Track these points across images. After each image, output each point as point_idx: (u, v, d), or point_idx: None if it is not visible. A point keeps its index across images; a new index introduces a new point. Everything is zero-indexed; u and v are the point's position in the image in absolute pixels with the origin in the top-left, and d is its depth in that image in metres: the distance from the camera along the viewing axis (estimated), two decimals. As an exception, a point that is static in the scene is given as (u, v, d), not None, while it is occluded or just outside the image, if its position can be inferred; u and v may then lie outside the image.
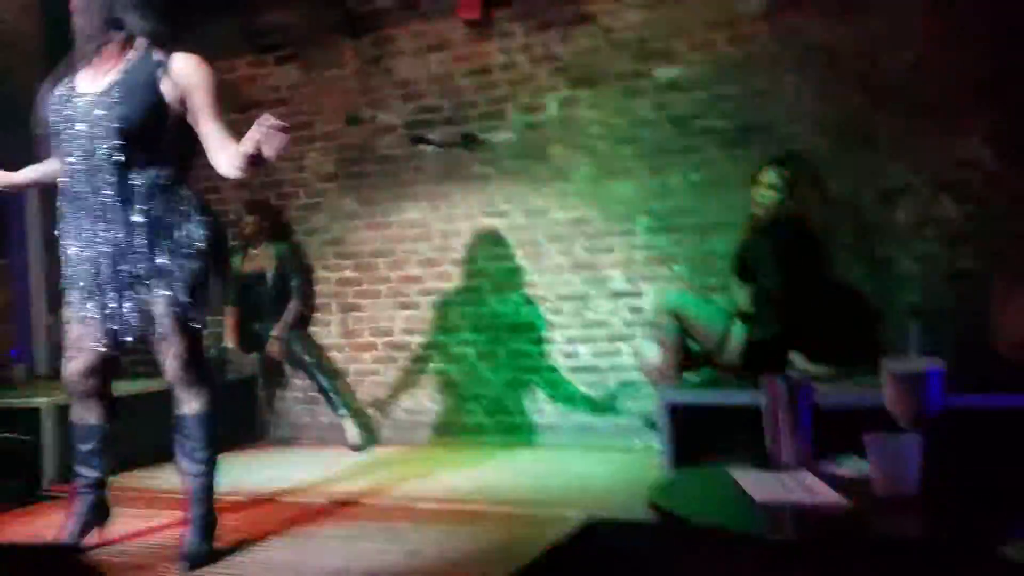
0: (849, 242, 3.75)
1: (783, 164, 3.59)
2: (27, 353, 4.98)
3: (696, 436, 2.91)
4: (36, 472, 3.70)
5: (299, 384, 4.90)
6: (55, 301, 4.92)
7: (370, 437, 4.58)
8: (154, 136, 2.46)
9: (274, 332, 4.62)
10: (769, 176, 3.57)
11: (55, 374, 4.82)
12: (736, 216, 3.87)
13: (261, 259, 4.72)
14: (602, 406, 4.23)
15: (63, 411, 3.63)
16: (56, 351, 4.88)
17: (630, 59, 4.18)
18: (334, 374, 4.75)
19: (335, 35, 4.73)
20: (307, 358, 4.60)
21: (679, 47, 4.09)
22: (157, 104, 2.44)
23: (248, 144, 2.29)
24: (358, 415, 4.62)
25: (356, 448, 4.40)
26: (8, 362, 4.85)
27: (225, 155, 2.43)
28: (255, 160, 2.31)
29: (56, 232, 2.56)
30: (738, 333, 3.37)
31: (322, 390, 4.56)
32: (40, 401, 3.79)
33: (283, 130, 2.25)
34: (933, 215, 3.66)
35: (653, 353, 3.49)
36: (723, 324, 3.38)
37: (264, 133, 2.25)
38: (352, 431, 4.48)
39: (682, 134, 4.08)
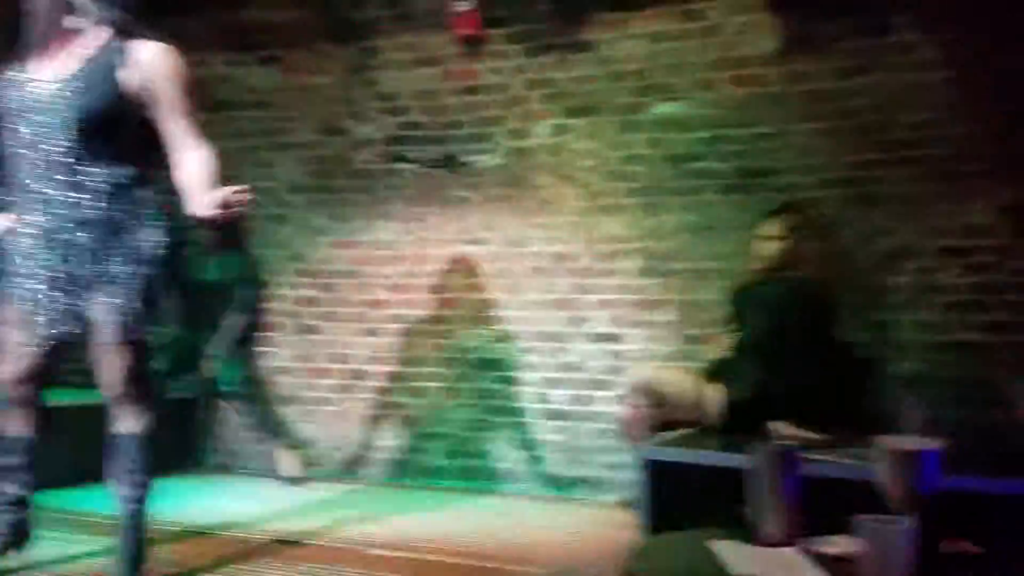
0: (848, 302, 3.80)
1: (786, 213, 3.64)
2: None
3: (675, 496, 2.90)
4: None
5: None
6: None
7: (310, 471, 4.52)
8: (113, 131, 2.44)
9: (215, 350, 4.49)
10: (770, 227, 3.62)
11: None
12: (731, 264, 3.93)
13: (214, 269, 4.60)
14: (573, 456, 4.22)
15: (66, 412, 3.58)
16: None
17: (628, 92, 4.23)
18: (271, 400, 4.70)
19: (320, 40, 4.74)
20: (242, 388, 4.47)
21: (681, 83, 4.15)
22: (117, 97, 2.42)
23: (205, 208, 2.35)
24: (297, 446, 4.57)
25: (291, 482, 4.34)
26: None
27: (185, 163, 2.43)
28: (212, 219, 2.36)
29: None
30: (712, 395, 3.39)
31: (257, 416, 4.48)
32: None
33: (242, 200, 2.34)
34: (937, 281, 3.73)
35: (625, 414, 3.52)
36: (699, 392, 3.41)
37: (224, 203, 2.32)
38: (287, 462, 4.41)
39: (679, 174, 4.13)
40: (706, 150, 4.09)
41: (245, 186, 2.38)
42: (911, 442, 1.62)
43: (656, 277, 4.16)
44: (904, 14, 3.79)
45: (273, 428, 4.50)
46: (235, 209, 2.35)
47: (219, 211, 2.34)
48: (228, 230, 4.71)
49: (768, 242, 3.55)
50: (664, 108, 4.17)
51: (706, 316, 4.00)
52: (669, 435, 3.35)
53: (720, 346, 3.67)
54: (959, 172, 3.70)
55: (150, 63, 2.45)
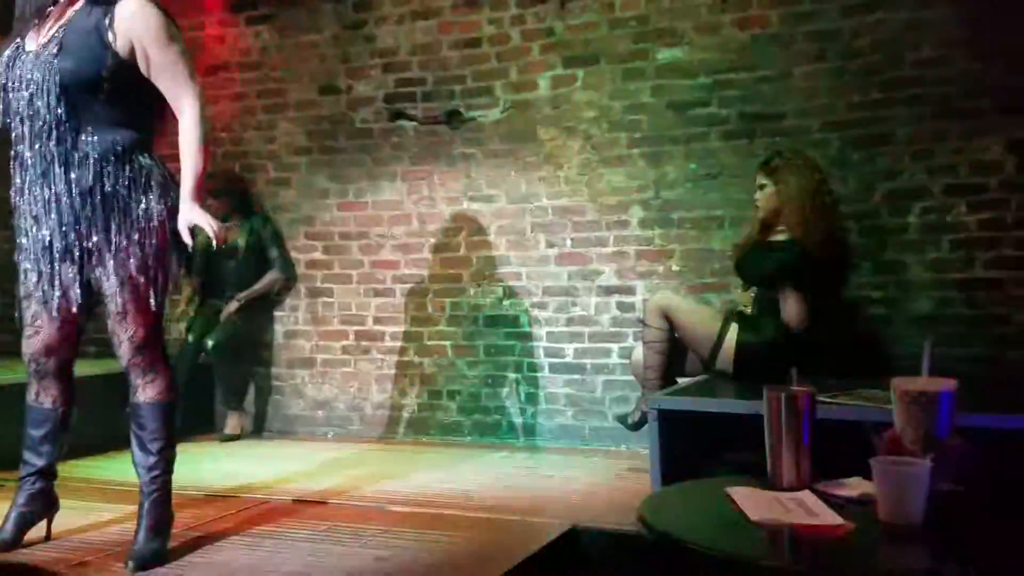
0: (857, 245, 3.79)
1: (771, 162, 3.51)
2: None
3: (688, 445, 2.93)
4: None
5: (261, 372, 4.89)
6: (3, 273, 4.87)
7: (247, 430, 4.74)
8: (104, 95, 2.42)
9: (240, 295, 4.62)
10: (760, 176, 3.55)
11: (-1, 349, 4.80)
12: (737, 211, 3.92)
13: (231, 232, 4.64)
14: (586, 408, 4.27)
15: (5, 391, 3.63)
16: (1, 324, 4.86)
17: (630, 38, 4.19)
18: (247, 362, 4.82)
19: (313, -4, 4.70)
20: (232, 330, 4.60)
21: (683, 28, 4.10)
22: (103, 56, 2.39)
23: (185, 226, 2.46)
24: (243, 410, 4.75)
25: (226, 440, 4.52)
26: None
27: (180, 130, 2.48)
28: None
29: (11, 198, 2.53)
30: (732, 337, 3.39)
31: (227, 373, 4.63)
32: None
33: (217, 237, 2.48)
34: (947, 220, 3.71)
35: (641, 355, 3.52)
36: (717, 327, 3.40)
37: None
38: (232, 423, 4.60)
39: (682, 121, 4.10)
40: (709, 96, 4.06)
41: (222, 226, 2.52)
42: (925, 383, 1.63)
43: (662, 227, 4.15)
44: (909, -52, 3.72)
45: (238, 390, 4.67)
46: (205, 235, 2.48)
47: (188, 237, 2.47)
48: (236, 199, 4.71)
49: (758, 192, 3.50)
50: (666, 54, 4.13)
51: (715, 264, 4.01)
52: (681, 383, 3.38)
53: (733, 294, 3.67)
54: (965, 109, 3.67)
55: (133, 20, 2.41)
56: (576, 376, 4.29)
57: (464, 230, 4.54)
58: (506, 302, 4.45)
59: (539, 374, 4.37)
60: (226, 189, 4.65)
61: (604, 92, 4.24)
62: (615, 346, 4.21)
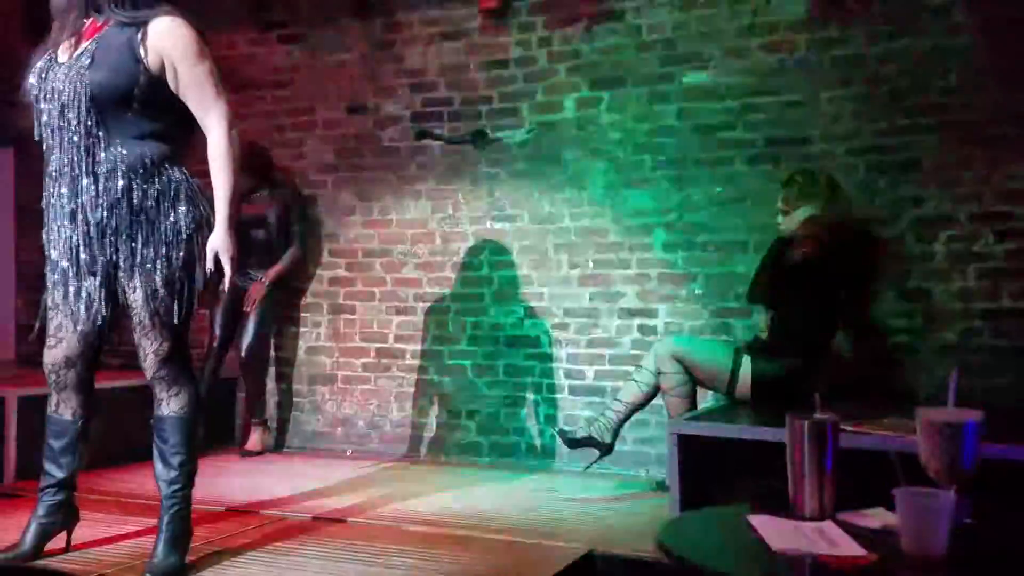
0: (883, 272, 3.76)
1: (792, 183, 3.57)
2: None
3: (708, 471, 2.90)
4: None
5: (282, 387, 4.91)
6: (26, 282, 4.94)
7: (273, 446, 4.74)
8: (134, 108, 2.44)
9: (266, 276, 4.53)
10: (780, 198, 3.59)
11: (21, 360, 4.85)
12: (762, 235, 3.89)
13: (259, 202, 4.59)
14: (606, 431, 4.23)
15: (29, 402, 3.66)
16: (24, 332, 4.92)
17: (657, 61, 4.19)
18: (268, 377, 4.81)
19: (344, 16, 4.74)
20: (262, 327, 4.57)
21: (710, 51, 4.10)
22: (134, 70, 2.42)
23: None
24: (268, 425, 4.72)
25: (247, 455, 4.49)
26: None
27: (209, 150, 2.50)
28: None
29: (42, 209, 2.57)
30: (747, 368, 3.36)
31: (256, 385, 4.61)
32: (6, 392, 3.78)
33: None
34: (974, 248, 3.67)
35: (629, 393, 3.51)
36: (730, 362, 3.38)
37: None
38: (255, 438, 4.58)
39: (708, 145, 4.09)
40: (735, 120, 4.04)
41: (242, 278, 2.52)
42: (951, 414, 1.60)
43: (686, 250, 4.14)
44: (937, -25, 3.71)
45: (263, 402, 4.66)
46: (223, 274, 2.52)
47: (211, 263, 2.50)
48: (265, 166, 4.66)
49: (779, 213, 3.54)
50: (693, 77, 4.13)
51: (739, 289, 3.98)
52: (701, 409, 3.36)
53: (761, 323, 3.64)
54: (992, 137, 3.63)
55: (163, 37, 2.44)
56: (596, 399, 4.26)
57: (487, 249, 4.54)
58: (527, 322, 4.44)
59: (559, 396, 4.35)
60: (249, 163, 4.59)
61: (629, 114, 4.25)
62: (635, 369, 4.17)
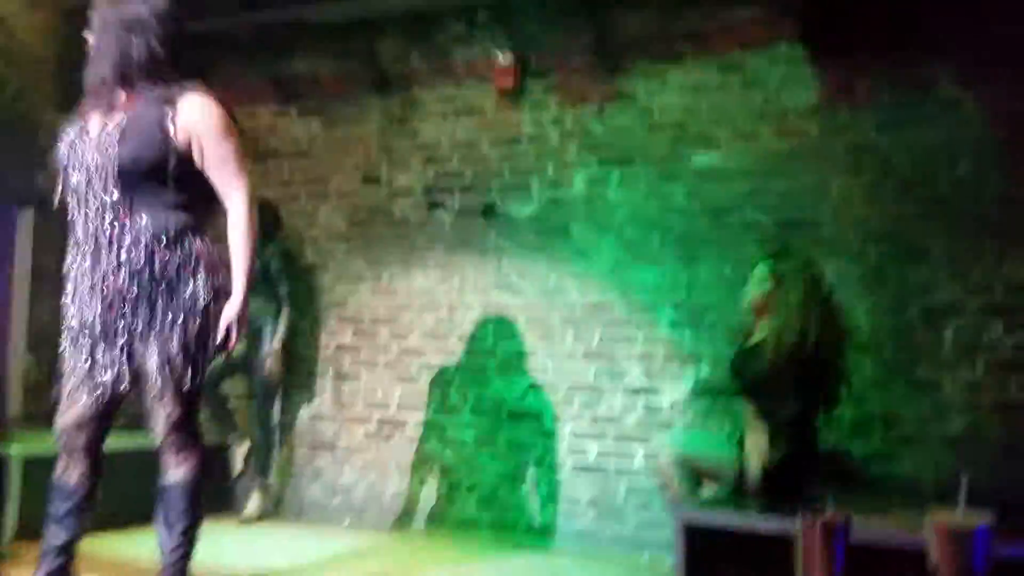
0: (890, 361, 3.69)
1: (776, 259, 3.28)
2: (-2, 392, 4.94)
3: (715, 561, 2.80)
4: (-4, 526, 3.62)
5: (282, 452, 4.82)
6: (37, 342, 4.91)
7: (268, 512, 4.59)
8: (159, 180, 2.47)
9: (274, 344, 4.46)
10: (758, 272, 3.28)
11: (27, 419, 4.79)
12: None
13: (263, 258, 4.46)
14: (607, 512, 4.12)
15: (33, 463, 3.60)
16: (31, 394, 4.87)
17: (667, 142, 4.21)
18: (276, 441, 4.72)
19: (362, 91, 4.80)
20: (271, 387, 4.54)
21: (720, 135, 4.11)
22: (163, 145, 2.45)
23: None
24: (268, 489, 4.60)
25: (246, 521, 4.38)
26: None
27: (228, 223, 2.53)
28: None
29: (59, 273, 2.57)
30: (749, 462, 3.23)
31: (263, 441, 4.53)
32: (10, 451, 3.72)
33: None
34: (982, 340, 3.60)
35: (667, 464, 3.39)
36: (734, 460, 3.27)
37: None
38: (255, 502, 4.46)
39: (717, 225, 4.07)
40: (745, 202, 4.03)
41: (236, 335, 2.53)
42: (963, 518, 1.53)
43: (693, 329, 4.08)
44: (946, 69, 3.72)
45: (266, 464, 4.57)
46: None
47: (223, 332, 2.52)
48: (269, 215, 4.64)
49: (755, 288, 3.26)
50: (703, 159, 4.13)
51: (744, 371, 3.91)
52: (707, 496, 3.26)
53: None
54: (1002, 229, 3.60)
55: (193, 113, 2.49)
56: (598, 478, 4.16)
57: (492, 321, 4.50)
58: (530, 396, 4.37)
59: (560, 473, 4.25)
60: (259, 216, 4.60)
61: (639, 192, 4.24)
62: (640, 449, 4.09)
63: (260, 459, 4.59)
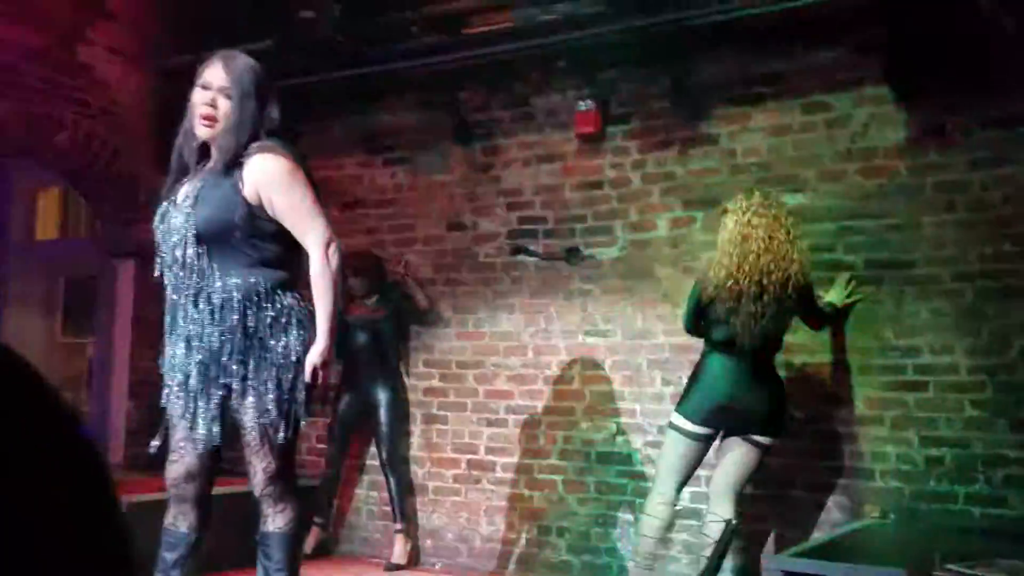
0: (991, 400, 3.57)
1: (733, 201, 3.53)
2: (101, 438, 5.09)
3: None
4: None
5: (374, 496, 4.85)
6: (138, 388, 5.06)
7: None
8: (239, 238, 2.51)
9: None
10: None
11: (128, 464, 4.92)
12: (863, 359, 3.76)
13: (371, 306, 4.67)
14: (699, 557, 4.03)
15: (136, 508, 3.68)
16: (132, 439, 5.00)
17: (752, 183, 4.15)
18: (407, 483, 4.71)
19: (446, 141, 4.86)
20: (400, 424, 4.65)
21: (805, 175, 4.05)
22: (235, 205, 2.50)
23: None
24: (411, 536, 4.58)
25: (393, 569, 4.38)
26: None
27: (314, 250, 2.54)
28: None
29: (158, 320, 2.64)
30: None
31: (400, 485, 4.55)
32: (114, 496, 3.80)
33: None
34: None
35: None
36: None
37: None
38: (401, 549, 4.44)
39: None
40: (834, 241, 3.96)
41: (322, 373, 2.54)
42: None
43: (783, 371, 4.00)
44: (1041, 103, 3.62)
45: (403, 509, 4.53)
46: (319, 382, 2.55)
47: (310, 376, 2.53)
48: (374, 275, 4.75)
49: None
50: (789, 199, 4.06)
51: (844, 412, 3.82)
52: (806, 544, 3.17)
53: None
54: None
55: (258, 171, 2.52)
56: (691, 521, 4.09)
57: (578, 364, 4.48)
58: (619, 439, 4.33)
59: (653, 516, 4.18)
60: (363, 267, 4.69)
61: (724, 235, 4.19)
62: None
63: (399, 504, 4.58)
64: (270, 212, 2.53)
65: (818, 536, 3.41)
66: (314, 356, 2.52)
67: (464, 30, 4.48)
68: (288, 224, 2.54)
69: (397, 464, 4.59)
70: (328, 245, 2.55)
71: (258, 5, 4.73)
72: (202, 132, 2.57)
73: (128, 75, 5.15)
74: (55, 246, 6.34)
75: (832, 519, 3.82)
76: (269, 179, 2.52)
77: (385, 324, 4.66)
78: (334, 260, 2.55)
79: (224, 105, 2.55)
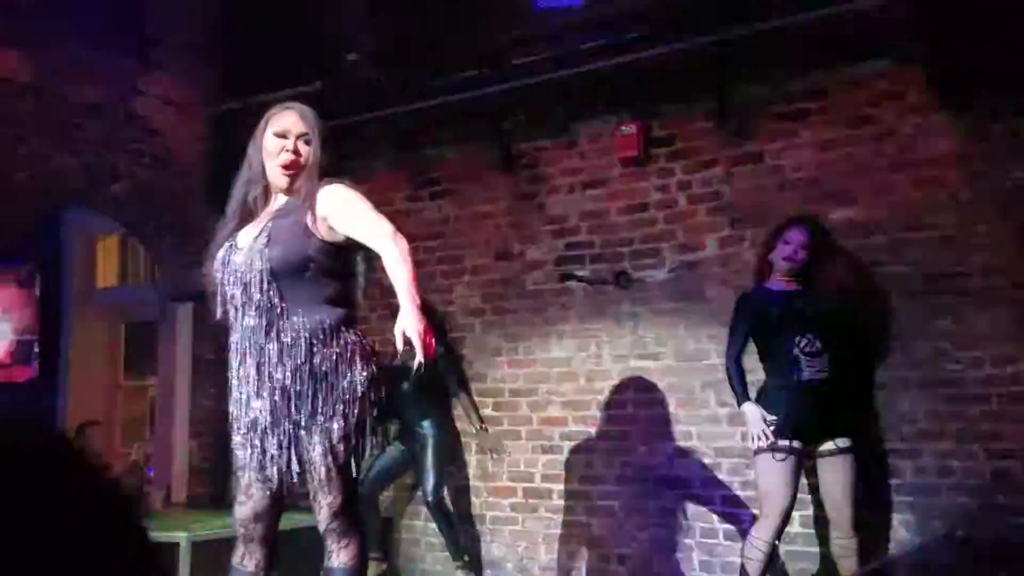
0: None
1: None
2: (165, 477, 5.20)
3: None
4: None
5: (433, 527, 4.87)
6: (199, 427, 5.18)
7: None
8: (310, 275, 2.55)
9: (482, 425, 4.67)
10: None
11: (191, 502, 5.03)
12: (925, 372, 3.70)
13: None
14: None
15: (201, 546, 3.76)
16: (194, 478, 5.11)
17: (800, 199, 4.14)
18: (457, 517, 4.71)
19: (491, 171, 4.93)
20: (443, 464, 4.61)
21: (855, 188, 4.03)
22: (306, 241, 2.53)
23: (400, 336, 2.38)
24: (471, 568, 4.56)
25: None
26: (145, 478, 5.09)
27: (381, 243, 2.48)
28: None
29: (228, 379, 2.70)
30: None
31: (449, 524, 4.53)
32: (180, 535, 3.90)
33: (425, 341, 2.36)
34: None
35: None
36: None
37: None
38: None
39: (859, 280, 3.96)
40: (887, 255, 3.92)
41: (421, 352, 2.38)
42: None
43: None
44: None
45: (457, 545, 4.52)
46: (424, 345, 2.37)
47: (402, 343, 2.37)
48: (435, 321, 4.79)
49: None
50: (839, 214, 4.05)
51: (907, 428, 3.76)
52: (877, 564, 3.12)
53: None
54: None
55: (325, 200, 2.55)
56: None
57: (631, 387, 4.47)
58: (676, 462, 4.30)
59: (714, 540, 4.15)
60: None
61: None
62: (796, 514, 3.95)
63: (451, 542, 4.55)
64: (338, 228, 2.53)
65: (888, 556, 3.35)
66: (403, 322, 2.36)
67: (506, 62, 4.56)
68: (359, 229, 2.51)
69: (442, 504, 4.56)
70: (396, 233, 2.50)
71: (302, 49, 4.88)
72: (282, 180, 2.63)
73: (181, 123, 5.33)
74: (115, 293, 6.53)
75: (898, 537, 3.74)
76: (337, 200, 2.54)
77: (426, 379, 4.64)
78: (403, 243, 2.48)
79: (306, 151, 2.62)
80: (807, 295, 3.60)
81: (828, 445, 3.50)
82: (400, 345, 2.39)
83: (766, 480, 3.44)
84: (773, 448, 3.41)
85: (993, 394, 3.64)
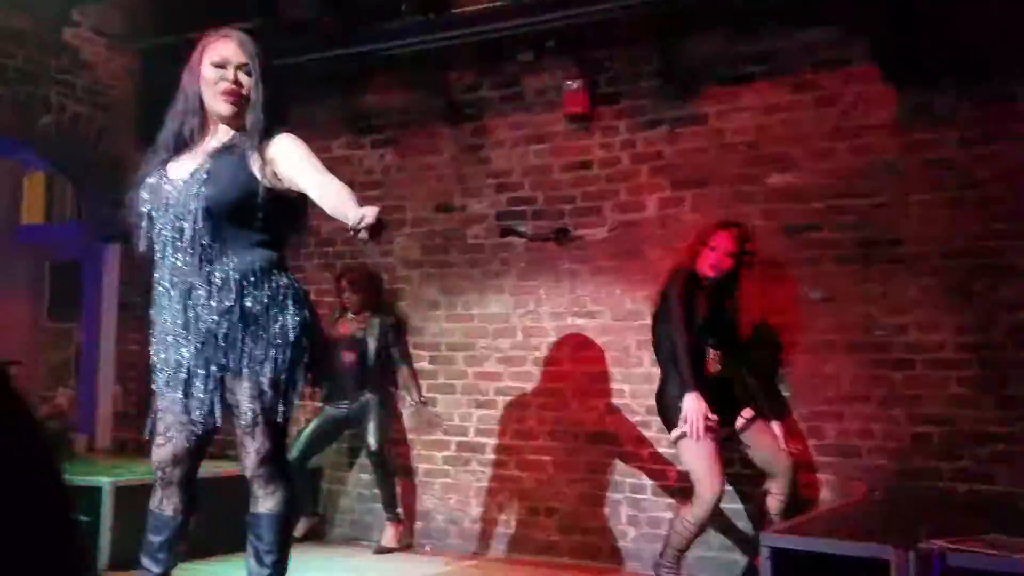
0: (978, 376, 3.60)
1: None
2: (89, 421, 5.09)
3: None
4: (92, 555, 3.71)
5: (364, 479, 4.87)
6: (125, 372, 5.06)
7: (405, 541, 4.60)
8: (247, 219, 2.48)
9: (421, 399, 4.61)
10: None
11: (117, 448, 4.93)
12: (853, 335, 3.78)
13: (361, 323, 4.66)
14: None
15: (124, 491, 3.69)
16: (119, 423, 5.01)
17: (741, 163, 4.17)
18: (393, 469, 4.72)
19: (434, 122, 4.85)
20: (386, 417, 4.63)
21: (795, 153, 4.07)
22: (248, 185, 2.46)
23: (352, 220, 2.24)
24: (401, 520, 4.60)
25: (383, 552, 4.41)
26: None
27: (324, 190, 2.37)
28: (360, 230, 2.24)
29: (151, 317, 2.62)
30: None
31: (387, 475, 4.54)
32: (102, 480, 3.82)
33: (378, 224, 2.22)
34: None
35: None
36: None
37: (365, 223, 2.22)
38: (391, 532, 4.47)
39: (794, 245, 4.02)
40: (822, 220, 3.98)
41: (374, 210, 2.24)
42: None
43: (773, 350, 4.03)
44: (1029, 81, 3.64)
45: (393, 497, 4.53)
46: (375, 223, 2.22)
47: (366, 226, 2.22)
48: (372, 295, 4.74)
49: None
50: (777, 179, 4.09)
51: (828, 391, 3.85)
52: (796, 520, 3.21)
53: None
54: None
55: (272, 146, 2.48)
56: (682, 499, 4.12)
57: (567, 344, 4.50)
58: (608, 418, 4.35)
59: (642, 496, 4.22)
60: (363, 284, 4.69)
61: (713, 214, 4.20)
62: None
63: (386, 495, 4.57)
64: (284, 175, 2.44)
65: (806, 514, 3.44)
66: (361, 213, 2.21)
67: (452, 9, 4.47)
68: (299, 175, 2.41)
69: (383, 456, 4.57)
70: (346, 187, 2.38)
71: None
72: (226, 108, 2.53)
73: (112, 56, 5.12)
74: (40, 230, 6.32)
75: (820, 497, 3.85)
76: (283, 146, 2.46)
77: (371, 342, 4.62)
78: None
79: (246, 81, 2.52)
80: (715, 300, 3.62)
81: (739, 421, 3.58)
82: (370, 219, 2.20)
83: (699, 465, 3.47)
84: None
85: (917, 360, 3.75)
